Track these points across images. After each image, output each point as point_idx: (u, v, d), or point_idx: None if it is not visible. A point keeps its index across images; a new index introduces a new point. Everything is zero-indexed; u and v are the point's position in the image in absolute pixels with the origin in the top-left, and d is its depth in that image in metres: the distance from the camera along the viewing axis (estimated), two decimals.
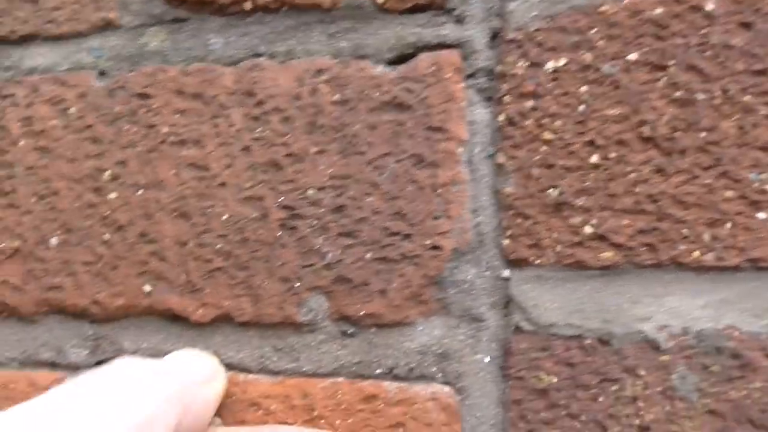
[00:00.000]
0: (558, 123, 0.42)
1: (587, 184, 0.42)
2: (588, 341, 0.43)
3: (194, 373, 0.45)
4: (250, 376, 0.49)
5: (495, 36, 0.44)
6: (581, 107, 0.42)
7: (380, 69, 0.46)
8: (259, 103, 0.47)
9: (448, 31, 0.45)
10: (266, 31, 0.48)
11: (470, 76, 0.45)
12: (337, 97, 0.46)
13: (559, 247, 0.43)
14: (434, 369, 0.46)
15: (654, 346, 0.41)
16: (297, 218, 0.47)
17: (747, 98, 0.39)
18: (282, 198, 0.47)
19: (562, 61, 0.42)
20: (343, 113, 0.46)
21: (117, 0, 0.51)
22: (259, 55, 0.49)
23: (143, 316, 0.51)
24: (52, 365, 0.53)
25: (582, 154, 0.42)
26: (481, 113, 0.45)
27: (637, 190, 0.41)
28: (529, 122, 0.43)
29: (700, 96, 0.40)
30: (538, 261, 0.43)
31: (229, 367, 0.49)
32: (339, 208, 0.46)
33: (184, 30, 0.50)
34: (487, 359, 0.45)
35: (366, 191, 0.46)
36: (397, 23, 0.46)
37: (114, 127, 0.50)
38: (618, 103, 0.41)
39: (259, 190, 0.47)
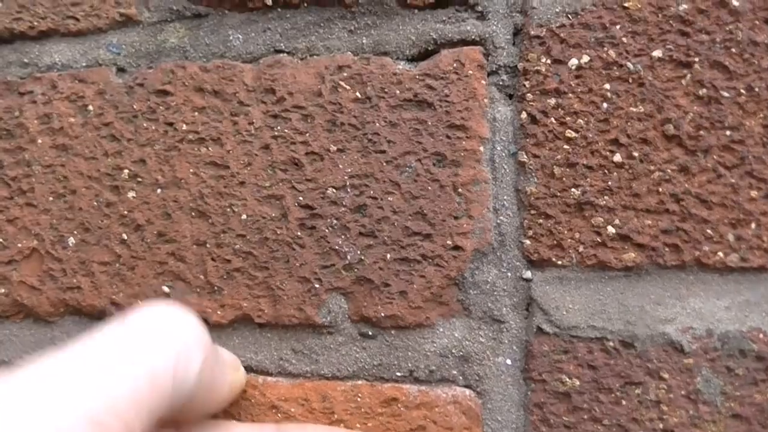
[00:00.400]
0: (581, 121, 0.45)
1: (610, 183, 0.45)
2: (611, 343, 0.45)
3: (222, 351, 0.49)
4: (269, 379, 0.52)
5: (518, 32, 0.47)
6: (604, 105, 0.45)
7: (402, 66, 0.49)
8: (279, 101, 0.51)
9: (471, 27, 0.48)
10: (287, 27, 0.52)
11: (492, 72, 0.48)
12: (357, 94, 0.49)
13: (581, 248, 0.46)
14: (455, 372, 0.48)
15: (678, 349, 0.44)
16: (317, 218, 0.50)
17: None
18: (301, 197, 0.50)
19: (585, 58, 0.45)
20: (364, 111, 0.49)
21: None
22: (279, 51, 0.52)
23: None
24: None
25: (605, 152, 0.45)
26: (502, 111, 0.48)
27: (661, 189, 0.44)
28: (551, 120, 0.46)
29: (725, 94, 0.43)
30: (560, 262, 0.46)
31: (247, 369, 0.52)
32: (359, 208, 0.49)
33: (203, 26, 0.53)
34: (509, 362, 0.48)
35: (386, 190, 0.49)
36: (419, 19, 0.49)
37: (133, 124, 0.54)
38: (642, 100, 0.44)
39: (279, 189, 0.50)
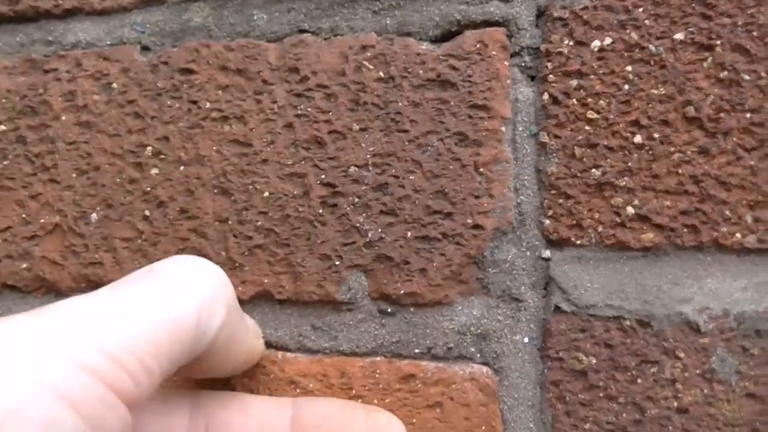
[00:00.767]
0: (602, 102, 0.46)
1: (630, 164, 0.46)
2: (627, 322, 0.46)
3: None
4: (288, 355, 0.53)
5: (541, 14, 0.48)
6: (626, 87, 0.46)
7: (425, 46, 0.50)
8: (303, 80, 0.52)
9: (494, 8, 0.49)
10: (311, 6, 0.52)
11: (515, 54, 0.49)
12: (381, 74, 0.50)
13: (600, 228, 0.47)
14: (473, 349, 0.49)
15: (694, 328, 0.45)
16: (338, 196, 0.51)
17: None
18: (324, 175, 0.51)
19: (607, 40, 0.46)
20: (387, 90, 0.50)
21: None
22: (303, 31, 0.53)
23: None
24: None
25: (626, 134, 0.46)
26: (525, 92, 0.49)
27: (680, 170, 0.45)
28: (573, 101, 0.47)
29: (746, 77, 0.44)
30: (579, 241, 0.47)
31: (267, 345, 0.52)
32: (381, 186, 0.50)
33: (228, 5, 0.54)
34: (526, 340, 0.49)
35: (408, 169, 0.49)
36: (443, 0, 0.50)
37: (156, 102, 0.55)
38: (663, 82, 0.45)
39: (301, 167, 0.51)
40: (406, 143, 0.49)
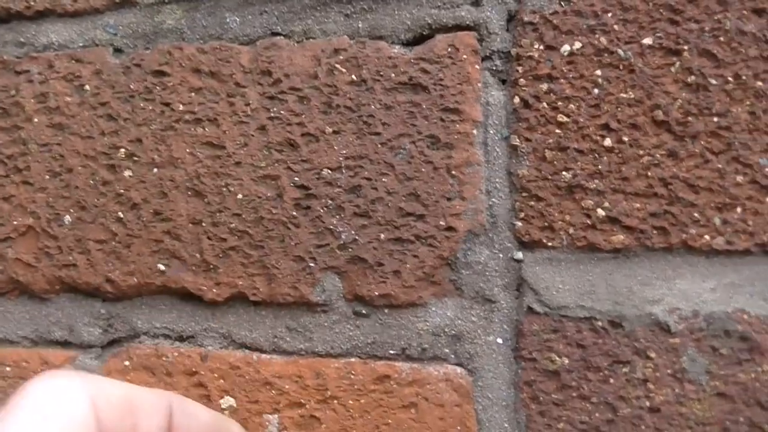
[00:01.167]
0: (572, 106, 0.47)
1: (600, 167, 0.46)
2: (599, 323, 0.47)
3: None
4: (263, 356, 0.53)
5: (511, 18, 0.49)
6: (596, 90, 0.46)
7: (397, 50, 0.50)
8: (276, 83, 0.52)
9: (465, 12, 0.49)
10: (283, 10, 0.53)
11: (486, 58, 0.49)
12: (353, 77, 0.50)
13: (571, 230, 0.47)
14: (447, 350, 0.50)
15: (664, 329, 0.46)
16: (312, 198, 0.51)
17: (759, 84, 0.44)
18: (297, 178, 0.51)
19: (577, 45, 0.47)
20: (359, 93, 0.50)
21: None
22: (276, 34, 0.53)
23: (157, 294, 0.55)
24: (65, 344, 0.58)
25: (595, 137, 0.46)
26: (496, 95, 0.49)
27: (650, 173, 0.46)
28: (543, 105, 0.47)
29: (713, 81, 0.44)
30: (550, 243, 0.48)
31: (242, 346, 0.53)
32: (354, 189, 0.50)
33: (201, 8, 0.54)
34: (500, 340, 0.49)
35: (381, 172, 0.50)
36: (415, 4, 0.50)
37: (129, 104, 0.55)
38: (632, 87, 0.46)
39: (275, 169, 0.52)
40: (379, 146, 0.50)
